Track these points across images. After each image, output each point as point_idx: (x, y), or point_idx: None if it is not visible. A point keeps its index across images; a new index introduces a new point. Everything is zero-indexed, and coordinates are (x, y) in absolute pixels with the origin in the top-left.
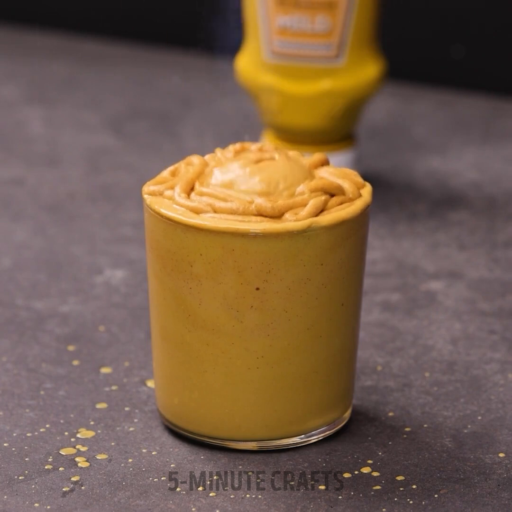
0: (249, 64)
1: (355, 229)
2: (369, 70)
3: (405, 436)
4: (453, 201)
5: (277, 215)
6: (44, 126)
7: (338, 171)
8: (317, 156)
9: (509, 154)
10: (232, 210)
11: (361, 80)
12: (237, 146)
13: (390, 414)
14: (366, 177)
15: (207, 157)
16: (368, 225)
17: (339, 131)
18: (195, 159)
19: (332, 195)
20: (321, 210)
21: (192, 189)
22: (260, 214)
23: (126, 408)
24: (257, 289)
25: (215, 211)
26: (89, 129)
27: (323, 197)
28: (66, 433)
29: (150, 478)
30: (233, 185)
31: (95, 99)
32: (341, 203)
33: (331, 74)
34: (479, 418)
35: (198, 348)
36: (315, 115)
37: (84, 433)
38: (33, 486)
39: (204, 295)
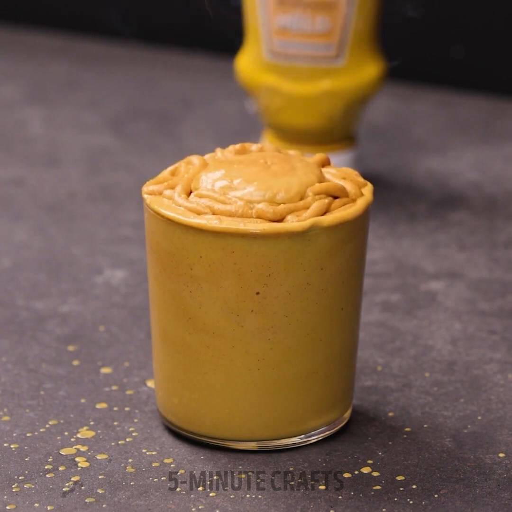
0: (249, 64)
1: (355, 232)
2: (369, 70)
3: (405, 436)
4: (453, 201)
5: (279, 219)
6: (44, 126)
7: (339, 171)
8: (318, 157)
9: (509, 154)
10: (231, 212)
11: (361, 80)
12: (238, 146)
13: (390, 414)
14: (366, 177)
15: (207, 156)
16: (368, 228)
17: (339, 131)
18: (195, 159)
19: (335, 197)
20: (323, 213)
21: (191, 190)
22: (260, 218)
23: (126, 408)
24: (258, 293)
25: (214, 213)
26: (89, 129)
27: (326, 200)
28: (66, 433)
29: (150, 478)
30: (232, 192)
31: (95, 99)
32: (343, 205)
33: (331, 74)
34: (479, 418)
35: (199, 350)
36: (315, 115)
37: (84, 433)
38: (33, 486)
39: (204, 298)
